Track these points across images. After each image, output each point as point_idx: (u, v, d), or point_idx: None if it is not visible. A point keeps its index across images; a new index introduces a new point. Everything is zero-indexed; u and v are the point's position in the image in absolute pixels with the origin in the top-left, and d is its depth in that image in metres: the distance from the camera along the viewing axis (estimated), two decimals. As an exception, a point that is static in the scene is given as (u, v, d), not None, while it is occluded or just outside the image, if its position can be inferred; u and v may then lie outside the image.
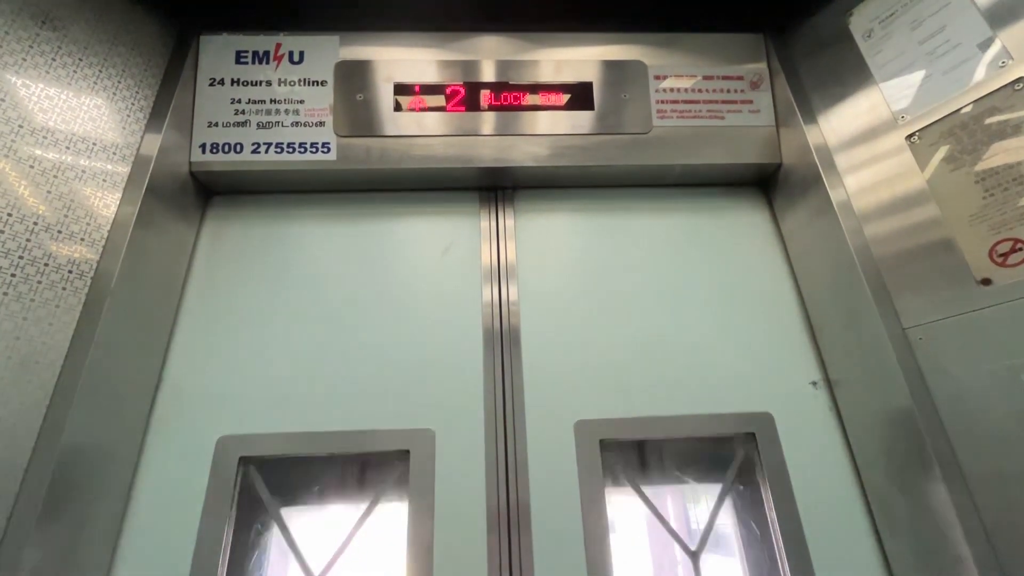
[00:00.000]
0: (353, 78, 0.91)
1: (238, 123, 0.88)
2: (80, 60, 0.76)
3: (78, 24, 0.78)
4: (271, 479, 0.75)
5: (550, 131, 0.91)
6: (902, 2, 0.80)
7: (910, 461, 0.69)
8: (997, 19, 0.69)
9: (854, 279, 0.77)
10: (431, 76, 0.93)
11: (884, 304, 0.74)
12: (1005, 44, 0.68)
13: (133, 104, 0.81)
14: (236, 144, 0.87)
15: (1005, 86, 0.67)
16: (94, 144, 0.74)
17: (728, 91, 0.95)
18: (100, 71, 0.78)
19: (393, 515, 0.73)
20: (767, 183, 0.98)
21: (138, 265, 0.74)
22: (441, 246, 0.91)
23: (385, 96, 0.91)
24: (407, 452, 0.75)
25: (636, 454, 0.81)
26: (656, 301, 0.88)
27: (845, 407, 0.81)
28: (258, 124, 0.88)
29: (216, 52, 0.91)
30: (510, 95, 0.93)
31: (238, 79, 0.90)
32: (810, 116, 0.89)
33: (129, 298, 0.72)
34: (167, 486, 0.72)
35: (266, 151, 0.87)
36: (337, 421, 0.77)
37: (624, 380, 0.82)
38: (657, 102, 0.93)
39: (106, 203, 0.73)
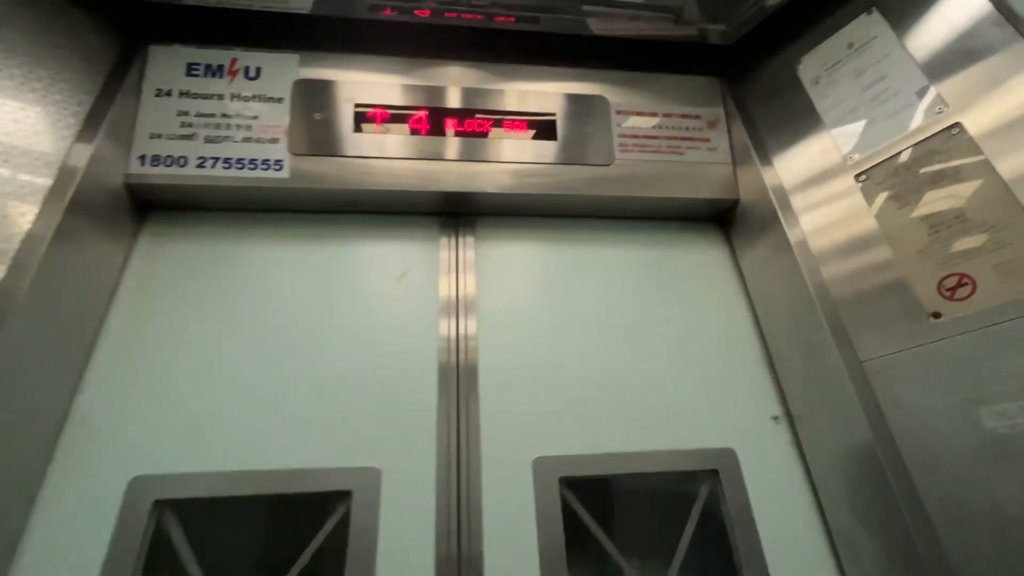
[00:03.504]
0: (312, 97, 0.89)
1: (184, 136, 0.83)
2: (8, 59, 0.71)
3: (11, 24, 0.72)
4: (192, 526, 0.66)
5: (513, 159, 0.90)
6: (845, 52, 0.84)
7: (872, 497, 0.68)
8: (932, 70, 0.73)
9: (812, 315, 0.77)
10: (395, 99, 0.91)
11: (841, 338, 0.74)
12: (940, 92, 0.72)
13: (65, 110, 0.75)
14: (180, 158, 0.82)
15: (942, 131, 0.70)
16: (13, 149, 0.68)
17: (687, 129, 0.98)
18: (29, 72, 0.72)
19: (331, 565, 0.66)
20: (726, 219, 0.99)
21: (53, 283, 0.66)
22: (397, 272, 0.87)
23: (345, 117, 0.88)
24: (349, 493, 0.68)
25: (598, 492, 0.77)
26: (617, 335, 0.86)
27: (807, 442, 0.80)
28: (206, 138, 0.83)
29: (165, 63, 0.87)
30: (474, 122, 0.92)
31: (188, 91, 0.85)
32: (766, 157, 0.92)
33: (38, 320, 0.64)
34: (65, 533, 0.62)
35: (213, 166, 0.82)
36: (272, 459, 0.69)
37: (585, 416, 0.78)
38: (619, 136, 0.95)
39: (22, 213, 0.66)
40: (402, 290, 0.85)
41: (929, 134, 0.71)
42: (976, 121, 0.67)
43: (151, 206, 0.86)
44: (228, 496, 0.67)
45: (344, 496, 0.68)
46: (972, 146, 0.67)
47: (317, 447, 0.71)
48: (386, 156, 0.87)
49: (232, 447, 0.69)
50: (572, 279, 0.91)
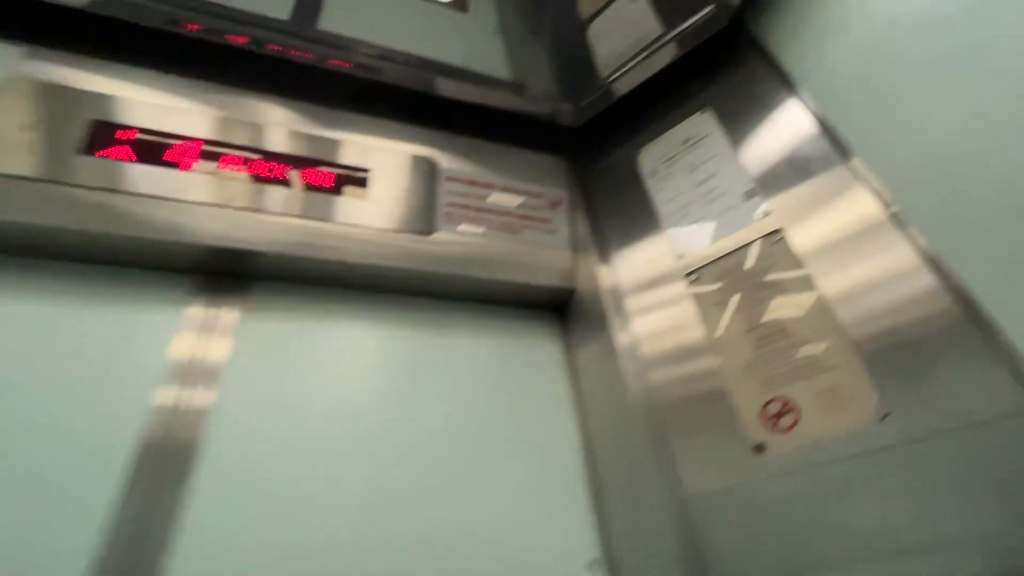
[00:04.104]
0: (25, 100, 0.66)
1: None
2: None
3: None
4: None
5: (306, 214, 0.73)
6: (681, 147, 0.80)
7: None
8: (758, 176, 0.70)
9: (636, 435, 0.65)
10: (153, 122, 0.71)
11: (666, 466, 0.61)
12: (765, 199, 0.67)
13: None
14: None
15: (765, 236, 0.64)
16: None
17: (526, 207, 0.87)
18: None
19: None
20: (562, 309, 0.88)
21: None
22: (108, 348, 0.62)
23: (72, 132, 0.66)
24: None
25: None
26: (409, 445, 0.67)
27: (628, 599, 0.64)
28: None
29: None
30: (263, 164, 0.74)
31: None
32: (604, 246, 0.83)
33: None
34: None
35: None
36: None
37: (333, 564, 0.56)
38: (446, 204, 0.82)
39: None
40: (104, 379, 0.60)
41: (753, 238, 0.65)
42: (799, 236, 0.62)
43: None
44: None
45: None
46: (795, 259, 0.61)
47: None
48: (123, 190, 0.66)
49: None
50: (362, 367, 0.72)
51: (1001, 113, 0.50)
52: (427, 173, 0.83)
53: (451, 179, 0.84)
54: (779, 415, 0.55)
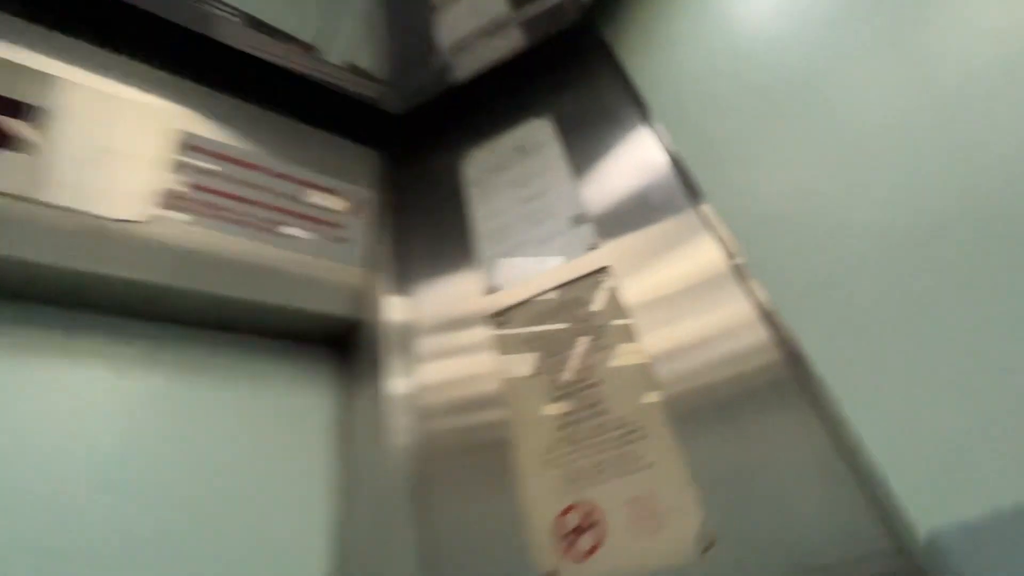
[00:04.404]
0: None
1: None
2: None
3: None
4: None
5: None
6: (510, 156, 0.65)
7: None
8: (591, 199, 0.56)
9: (400, 537, 0.45)
10: None
11: (429, 591, 0.42)
12: (595, 225, 0.53)
13: None
14: None
15: (589, 275, 0.50)
16: None
17: (310, 203, 0.65)
18: None
19: None
20: (343, 346, 0.66)
21: None
22: None
23: None
24: None
25: None
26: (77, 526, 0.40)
27: None
28: None
29: None
30: None
31: None
32: (406, 272, 0.64)
33: None
34: None
35: None
36: None
37: None
38: (181, 183, 0.56)
39: None
40: None
41: (575, 275, 0.51)
42: (629, 280, 0.48)
43: None
44: None
45: None
46: (620, 308, 0.47)
47: None
48: None
49: None
50: (26, 414, 0.43)
51: (848, 165, 0.41)
52: (151, 129, 0.57)
53: (193, 147, 0.59)
54: (578, 532, 0.39)
